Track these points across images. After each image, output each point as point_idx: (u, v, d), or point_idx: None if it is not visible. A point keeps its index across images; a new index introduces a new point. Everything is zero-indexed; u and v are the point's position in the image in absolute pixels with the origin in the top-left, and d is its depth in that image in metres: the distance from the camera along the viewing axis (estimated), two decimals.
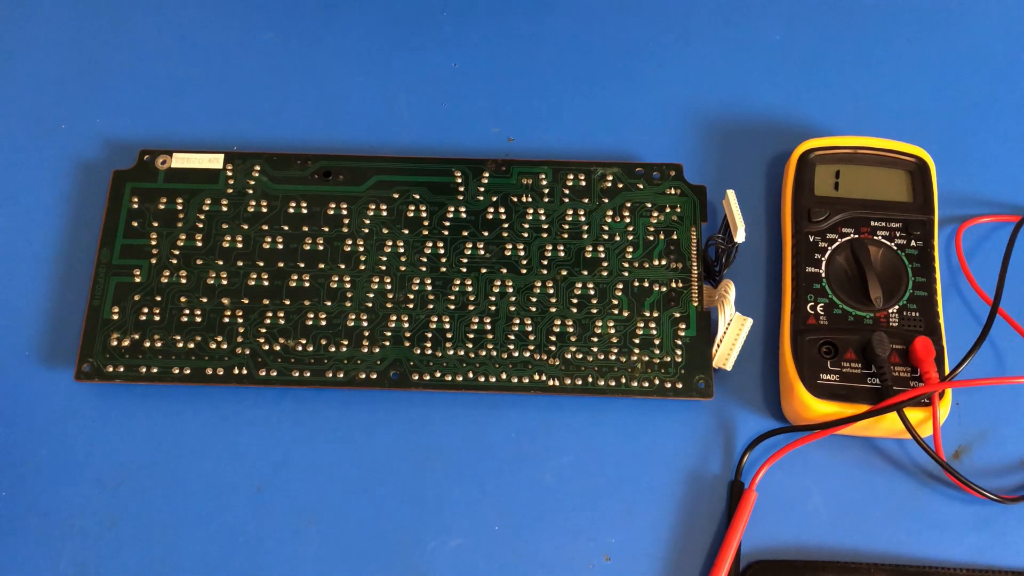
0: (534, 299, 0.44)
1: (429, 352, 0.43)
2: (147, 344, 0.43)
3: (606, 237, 0.45)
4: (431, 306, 0.44)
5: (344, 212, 0.46)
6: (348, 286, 0.44)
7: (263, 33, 0.51)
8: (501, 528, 0.42)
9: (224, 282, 0.44)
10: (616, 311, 0.44)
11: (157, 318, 0.44)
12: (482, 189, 0.46)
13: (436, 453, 0.43)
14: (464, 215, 0.46)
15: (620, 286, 0.44)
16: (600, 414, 0.43)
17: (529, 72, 0.50)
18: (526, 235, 0.45)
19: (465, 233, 0.45)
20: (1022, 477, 0.42)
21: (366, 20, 0.52)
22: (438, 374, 0.43)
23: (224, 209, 0.46)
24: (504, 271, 0.45)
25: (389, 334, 0.43)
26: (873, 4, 0.52)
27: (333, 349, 0.43)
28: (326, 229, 0.45)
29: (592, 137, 0.49)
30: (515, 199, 0.46)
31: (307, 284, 0.44)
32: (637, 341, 0.43)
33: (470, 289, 0.44)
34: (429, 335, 0.43)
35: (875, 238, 0.44)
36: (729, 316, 0.43)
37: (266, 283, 0.44)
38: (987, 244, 0.46)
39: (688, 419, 0.43)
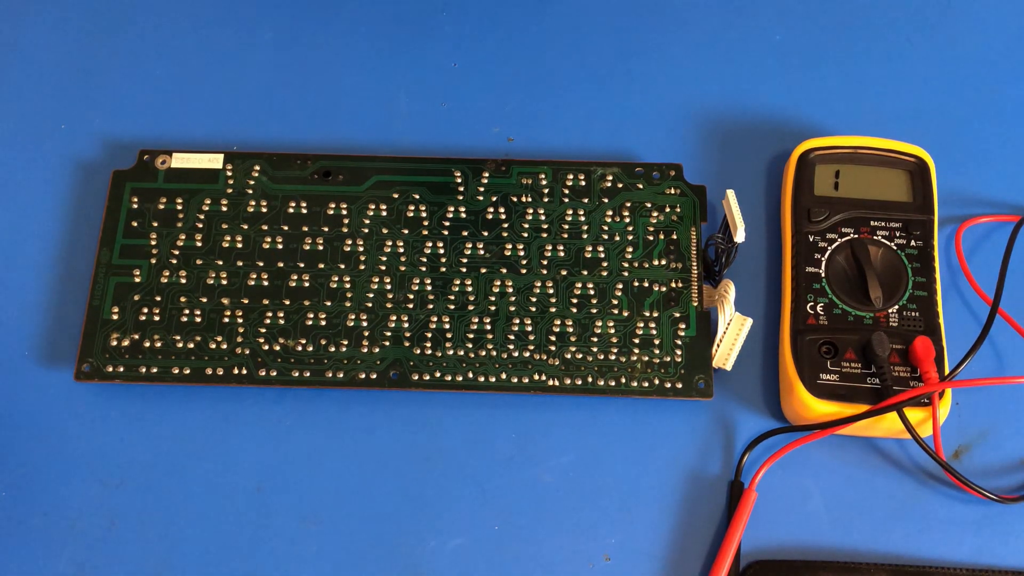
0: (534, 299, 0.44)
1: (429, 352, 0.43)
2: (147, 344, 0.43)
3: (606, 237, 0.45)
4: (431, 306, 0.44)
5: (344, 212, 0.46)
6: (348, 286, 0.44)
7: (263, 33, 0.51)
8: (501, 528, 0.42)
9: (224, 282, 0.44)
10: (616, 311, 0.44)
11: (157, 318, 0.44)
12: (482, 189, 0.46)
13: (436, 453, 0.43)
14: (464, 215, 0.46)
15: (620, 286, 0.44)
16: (600, 414, 0.43)
17: (529, 72, 0.50)
18: (526, 235, 0.45)
19: (465, 233, 0.45)
20: (1022, 477, 0.42)
21: (366, 20, 0.52)
22: (438, 374, 0.43)
23: (224, 209, 0.46)
24: (504, 271, 0.45)
25: (389, 334, 0.44)
26: (873, 4, 0.52)
27: (333, 349, 0.43)
28: (326, 229, 0.45)
29: (592, 137, 0.49)
30: (515, 199, 0.46)
31: (307, 284, 0.44)
32: (637, 341, 0.43)
33: (470, 289, 0.44)
34: (429, 335, 0.43)
35: (875, 238, 0.44)
36: (729, 316, 0.43)
37: (266, 283, 0.44)
38: (987, 244, 0.46)
39: (688, 419, 0.43)
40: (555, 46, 0.51)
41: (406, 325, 0.44)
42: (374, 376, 0.43)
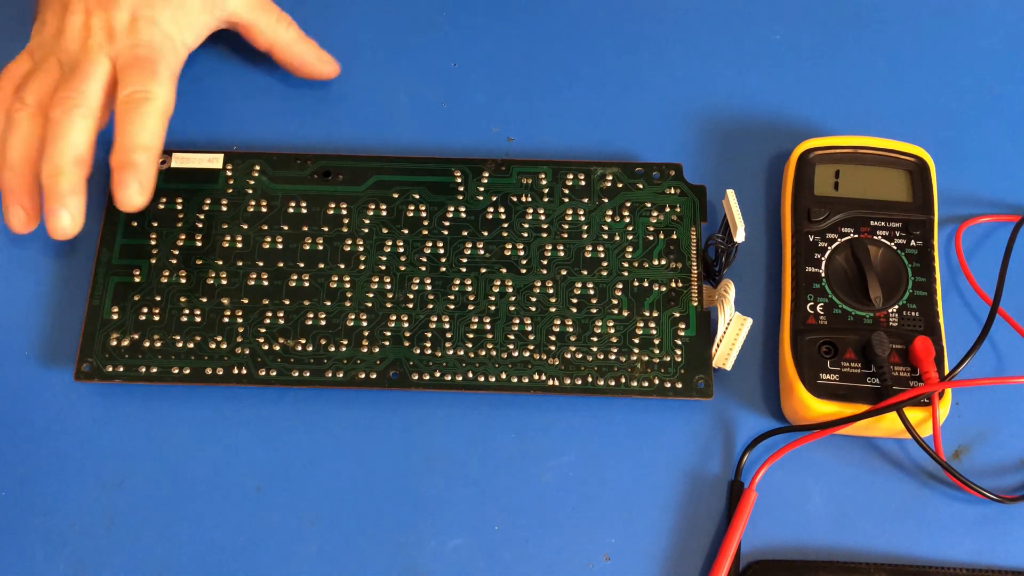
0: (534, 299, 0.44)
1: (429, 352, 0.43)
2: (147, 344, 0.43)
3: (606, 237, 0.45)
4: (431, 306, 0.44)
5: (344, 212, 0.46)
6: (348, 286, 0.44)
7: None
8: (501, 528, 0.42)
9: (224, 282, 0.44)
10: (616, 311, 0.44)
11: (157, 318, 0.44)
12: (482, 189, 0.46)
13: (436, 453, 0.43)
14: (464, 215, 0.46)
15: (620, 286, 0.44)
16: (600, 414, 0.43)
17: (529, 72, 0.50)
18: (526, 235, 0.45)
19: (465, 233, 0.45)
20: (1022, 477, 0.42)
21: (366, 20, 0.52)
22: (438, 374, 0.43)
23: (224, 209, 0.46)
24: (504, 271, 0.45)
25: (389, 334, 0.43)
26: (873, 4, 0.52)
27: (333, 349, 0.43)
28: (326, 229, 0.45)
29: (592, 137, 0.49)
30: (515, 199, 0.46)
31: (307, 284, 0.44)
32: (637, 341, 0.43)
33: (470, 289, 0.44)
34: (429, 335, 0.43)
35: (875, 238, 0.44)
36: (729, 316, 0.43)
37: (266, 283, 0.44)
38: (987, 244, 0.46)
39: (688, 419, 0.43)
40: (555, 46, 0.51)
41: (406, 325, 0.44)
42: (374, 376, 0.43)
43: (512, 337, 0.43)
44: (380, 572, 0.41)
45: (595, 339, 0.43)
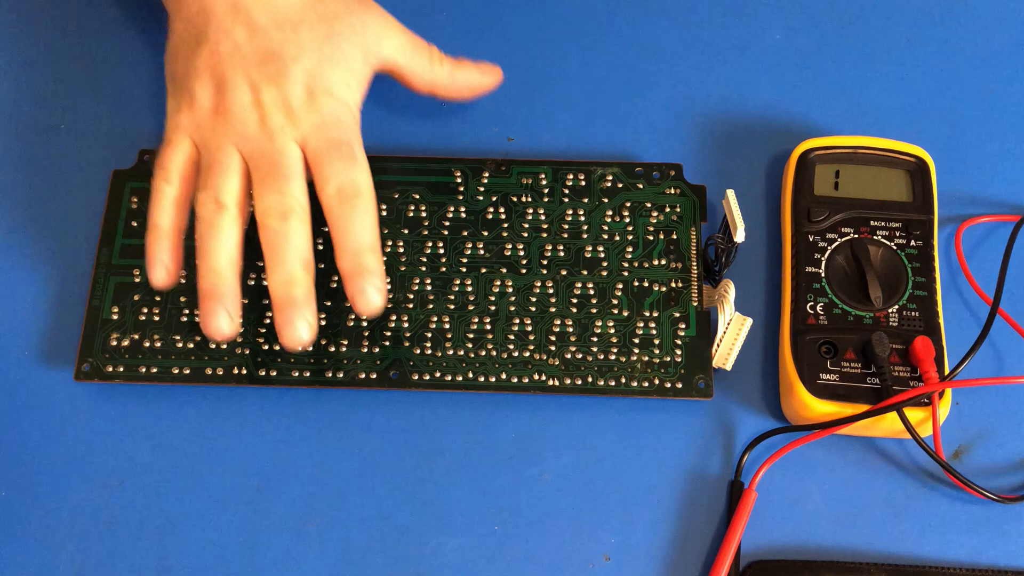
0: (534, 299, 0.44)
1: (429, 352, 0.43)
2: (147, 344, 0.43)
3: (606, 237, 0.45)
4: (431, 306, 0.44)
5: None
6: None
7: None
8: (501, 528, 0.42)
9: None
10: (616, 311, 0.44)
11: (157, 318, 0.44)
12: (482, 189, 0.46)
13: (436, 453, 0.43)
14: (464, 215, 0.46)
15: (620, 286, 0.44)
16: (600, 414, 0.43)
17: (529, 72, 0.50)
18: (526, 235, 0.45)
19: (465, 233, 0.45)
20: (1022, 477, 0.42)
21: None
22: (438, 374, 0.43)
23: None
24: (504, 271, 0.45)
25: (389, 334, 0.43)
26: (873, 4, 0.52)
27: (333, 349, 0.43)
28: (326, 229, 0.45)
29: (592, 137, 0.49)
30: (515, 199, 0.46)
31: None
32: (637, 341, 0.43)
33: (470, 289, 0.44)
34: (429, 335, 0.43)
35: (875, 238, 0.44)
36: (729, 316, 0.43)
37: (266, 283, 0.44)
38: (987, 244, 0.46)
39: (688, 419, 0.43)
40: (555, 46, 0.51)
41: (406, 325, 0.44)
42: (374, 376, 0.43)
43: (512, 337, 0.43)
44: (380, 572, 0.41)
45: (595, 339, 0.43)
